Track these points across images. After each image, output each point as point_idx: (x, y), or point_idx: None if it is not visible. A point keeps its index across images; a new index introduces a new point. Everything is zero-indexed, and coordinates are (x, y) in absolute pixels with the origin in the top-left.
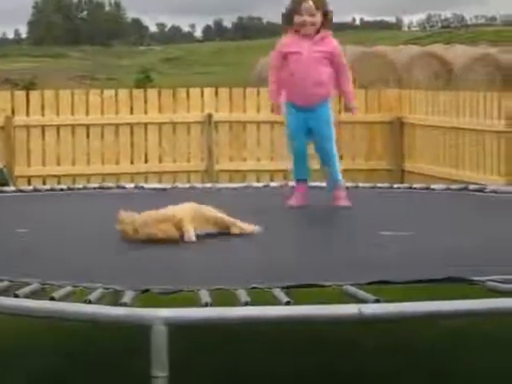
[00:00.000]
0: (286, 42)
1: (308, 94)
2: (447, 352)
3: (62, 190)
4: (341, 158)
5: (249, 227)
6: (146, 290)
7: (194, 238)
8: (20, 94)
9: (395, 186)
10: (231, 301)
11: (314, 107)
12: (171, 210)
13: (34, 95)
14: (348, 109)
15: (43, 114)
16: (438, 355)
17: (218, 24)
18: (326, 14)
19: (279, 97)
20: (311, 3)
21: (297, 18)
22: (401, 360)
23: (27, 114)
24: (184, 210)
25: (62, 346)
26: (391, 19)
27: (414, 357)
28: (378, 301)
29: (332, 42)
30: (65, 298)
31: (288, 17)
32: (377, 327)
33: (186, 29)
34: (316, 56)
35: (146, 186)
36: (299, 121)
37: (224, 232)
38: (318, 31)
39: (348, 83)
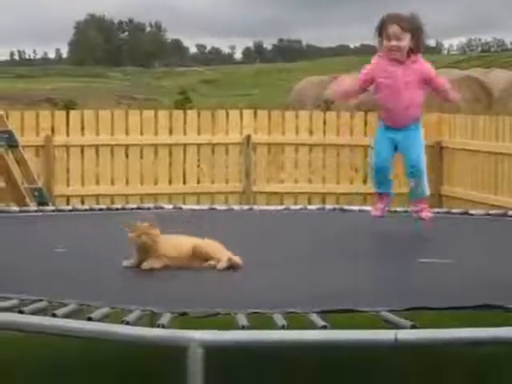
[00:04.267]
0: (378, 63)
1: (399, 117)
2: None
3: (100, 209)
4: None
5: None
6: (184, 313)
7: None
8: (60, 114)
9: (433, 210)
10: (268, 325)
11: (405, 127)
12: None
13: (74, 115)
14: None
15: (83, 134)
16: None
17: (258, 46)
18: (416, 35)
19: (345, 95)
20: (397, 27)
21: (384, 43)
22: None
23: (67, 133)
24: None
25: (96, 365)
26: (431, 43)
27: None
28: (414, 326)
29: (423, 66)
30: (102, 318)
31: (378, 38)
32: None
33: (226, 50)
34: (408, 80)
35: (183, 206)
36: (388, 138)
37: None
38: (408, 54)
39: (446, 86)
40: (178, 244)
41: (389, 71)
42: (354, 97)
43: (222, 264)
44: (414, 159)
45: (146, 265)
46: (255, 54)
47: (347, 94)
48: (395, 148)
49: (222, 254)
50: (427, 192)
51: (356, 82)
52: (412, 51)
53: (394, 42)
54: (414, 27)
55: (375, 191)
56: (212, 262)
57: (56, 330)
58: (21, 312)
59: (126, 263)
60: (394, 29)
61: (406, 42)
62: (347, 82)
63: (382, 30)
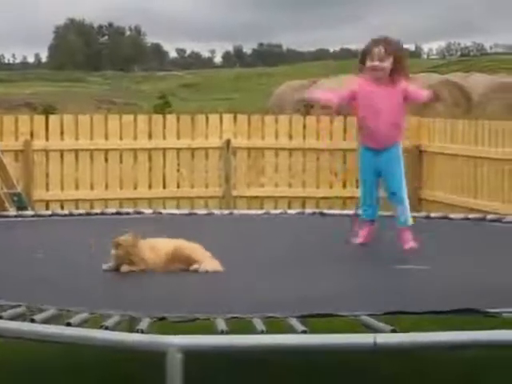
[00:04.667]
0: (360, 84)
1: (382, 137)
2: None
3: (79, 215)
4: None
5: (213, 266)
6: (163, 318)
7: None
8: (39, 118)
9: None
10: (247, 329)
11: (386, 149)
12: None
13: (53, 119)
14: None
15: (62, 139)
16: None
17: (238, 50)
18: (399, 60)
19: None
20: (381, 48)
21: (368, 62)
22: None
23: (46, 138)
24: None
25: (75, 370)
26: (410, 47)
27: None
28: (394, 331)
29: (403, 83)
30: (81, 324)
31: (362, 59)
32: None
33: (205, 54)
34: (389, 102)
35: (163, 211)
36: (371, 162)
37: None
38: (391, 77)
39: (421, 92)
40: (157, 247)
41: (370, 92)
42: (331, 104)
43: (203, 268)
44: (394, 186)
45: (124, 268)
46: (235, 58)
47: (328, 98)
48: (379, 174)
49: (202, 256)
50: (410, 221)
51: (338, 93)
52: (396, 75)
53: (376, 62)
54: (396, 50)
55: (362, 217)
56: (193, 267)
57: (35, 336)
58: None
59: (105, 267)
60: (378, 49)
61: (388, 63)
62: (328, 91)
63: (367, 52)
